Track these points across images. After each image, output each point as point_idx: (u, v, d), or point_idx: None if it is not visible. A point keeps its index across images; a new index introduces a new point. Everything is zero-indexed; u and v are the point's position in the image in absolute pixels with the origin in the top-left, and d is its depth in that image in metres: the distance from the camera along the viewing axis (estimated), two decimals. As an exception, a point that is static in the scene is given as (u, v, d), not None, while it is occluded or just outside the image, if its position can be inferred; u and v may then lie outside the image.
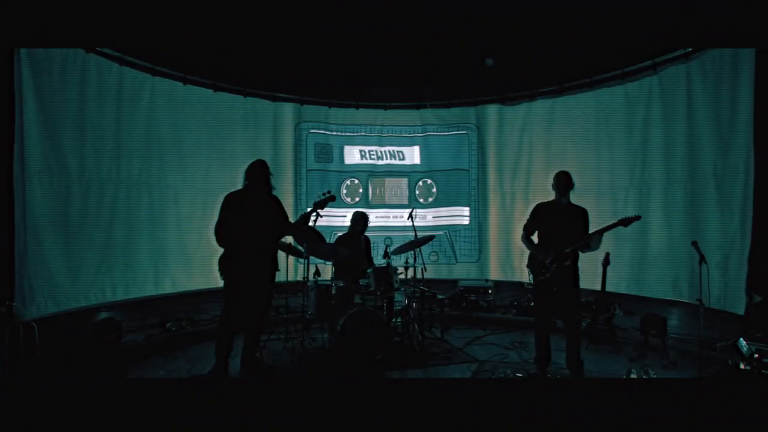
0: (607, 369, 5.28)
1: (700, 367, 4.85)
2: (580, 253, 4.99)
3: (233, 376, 5.00)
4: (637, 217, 4.80)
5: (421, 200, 9.49)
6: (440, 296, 6.78)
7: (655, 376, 4.49)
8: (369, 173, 9.47)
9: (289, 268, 6.53)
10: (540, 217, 5.13)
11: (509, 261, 8.63)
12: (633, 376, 4.51)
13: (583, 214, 5.07)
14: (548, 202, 5.15)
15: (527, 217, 5.25)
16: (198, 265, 7.26)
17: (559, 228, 4.97)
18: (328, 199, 5.11)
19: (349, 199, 9.37)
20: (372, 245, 7.26)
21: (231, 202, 4.85)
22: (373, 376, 4.66)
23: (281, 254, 6.52)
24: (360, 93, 9.27)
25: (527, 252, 5.21)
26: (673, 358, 5.47)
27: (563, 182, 5.00)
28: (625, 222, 4.79)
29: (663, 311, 6.58)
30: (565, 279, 4.95)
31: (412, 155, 9.53)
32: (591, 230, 5.00)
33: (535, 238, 5.20)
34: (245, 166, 5.06)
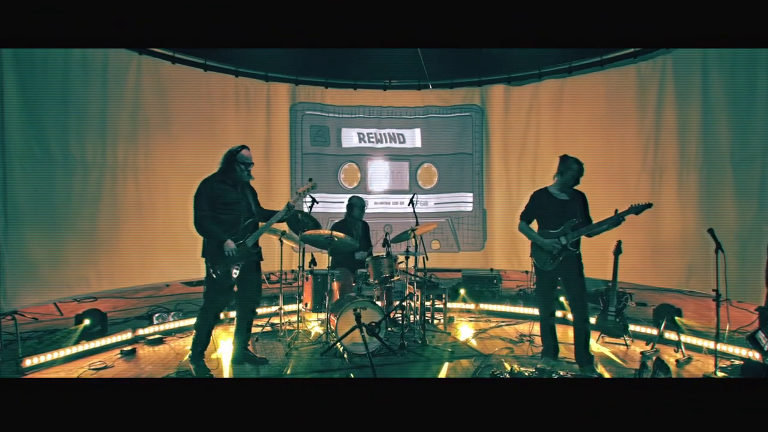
0: (617, 363, 5.23)
1: (717, 361, 4.79)
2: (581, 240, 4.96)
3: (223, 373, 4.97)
4: (648, 205, 4.72)
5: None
6: (442, 286, 6.72)
7: (669, 371, 4.43)
8: (368, 157, 9.38)
9: (283, 258, 6.48)
10: (542, 206, 5.06)
11: (515, 249, 8.58)
12: (646, 371, 4.45)
13: (584, 199, 5.06)
14: (549, 189, 5.08)
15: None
16: (187, 254, 7.16)
17: (564, 216, 4.90)
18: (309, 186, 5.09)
19: (346, 184, 9.29)
20: (371, 232, 7.21)
21: (215, 186, 4.77)
22: (371, 368, 4.61)
23: (275, 244, 6.48)
24: (357, 72, 9.16)
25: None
26: (687, 352, 5.42)
27: (578, 173, 4.92)
28: (636, 210, 4.72)
29: (677, 302, 6.54)
30: (571, 268, 4.91)
31: (413, 138, 9.42)
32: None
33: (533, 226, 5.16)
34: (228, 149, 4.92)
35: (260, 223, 4.98)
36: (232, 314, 5.62)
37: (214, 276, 4.69)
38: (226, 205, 4.74)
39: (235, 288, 4.96)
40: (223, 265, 4.67)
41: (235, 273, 4.74)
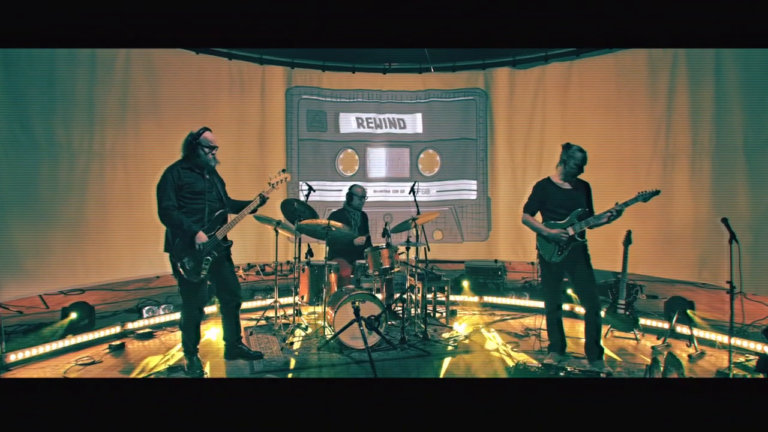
0: (627, 358, 5.20)
1: (731, 356, 4.76)
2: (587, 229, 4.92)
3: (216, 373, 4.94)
4: (656, 192, 4.68)
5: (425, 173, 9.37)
6: (444, 278, 6.68)
7: (681, 366, 4.40)
8: (367, 143, 9.32)
9: (279, 249, 6.44)
10: (546, 196, 5.01)
11: (520, 240, 8.54)
12: (657, 367, 4.42)
13: (588, 189, 5.03)
14: (551, 179, 5.03)
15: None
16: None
17: (569, 206, 4.86)
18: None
19: (344, 171, 9.24)
20: (370, 222, 7.17)
21: (183, 173, 4.67)
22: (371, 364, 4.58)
23: (270, 234, 6.43)
24: (356, 54, 9.08)
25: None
26: (700, 347, 5.39)
27: (582, 161, 4.87)
28: (644, 197, 4.67)
29: (689, 294, 6.51)
30: (577, 259, 4.87)
31: (414, 123, 9.35)
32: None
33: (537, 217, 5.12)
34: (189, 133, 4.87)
35: (230, 216, 4.82)
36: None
37: (182, 271, 4.55)
38: (196, 195, 4.63)
39: (208, 282, 4.89)
40: (192, 260, 4.54)
41: (205, 267, 4.60)
